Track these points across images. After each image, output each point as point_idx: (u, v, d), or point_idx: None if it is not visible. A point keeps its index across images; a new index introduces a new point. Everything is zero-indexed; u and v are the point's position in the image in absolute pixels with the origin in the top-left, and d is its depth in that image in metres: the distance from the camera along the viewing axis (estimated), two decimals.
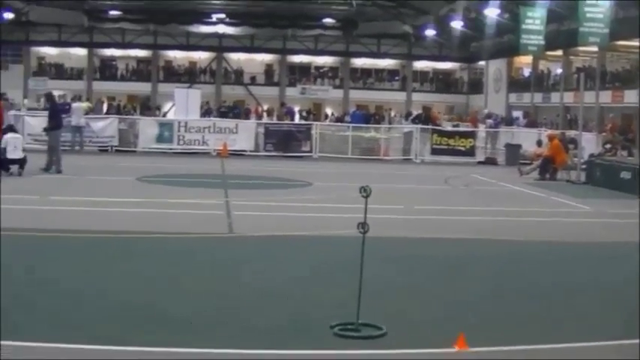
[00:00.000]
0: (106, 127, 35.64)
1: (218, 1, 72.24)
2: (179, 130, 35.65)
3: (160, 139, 35.57)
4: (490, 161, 37.25)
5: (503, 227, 17.48)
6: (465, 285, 11.64)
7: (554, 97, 60.92)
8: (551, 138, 31.79)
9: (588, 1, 40.84)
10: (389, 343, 8.53)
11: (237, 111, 51.67)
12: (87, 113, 37.67)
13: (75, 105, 36.28)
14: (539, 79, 65.47)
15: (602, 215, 20.31)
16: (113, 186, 23.00)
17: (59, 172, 25.16)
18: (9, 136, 24.08)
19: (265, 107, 69.97)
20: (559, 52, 59.76)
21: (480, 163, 36.55)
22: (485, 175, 29.92)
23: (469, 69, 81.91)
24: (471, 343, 8.21)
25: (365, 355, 8.27)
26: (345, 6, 71.25)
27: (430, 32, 68.33)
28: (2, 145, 23.91)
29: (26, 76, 74.53)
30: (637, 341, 8.58)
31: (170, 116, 50.31)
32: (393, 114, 69.52)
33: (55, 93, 46.57)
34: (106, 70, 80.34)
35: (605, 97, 48.20)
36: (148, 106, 61.45)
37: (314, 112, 70.89)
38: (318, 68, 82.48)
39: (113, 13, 73.22)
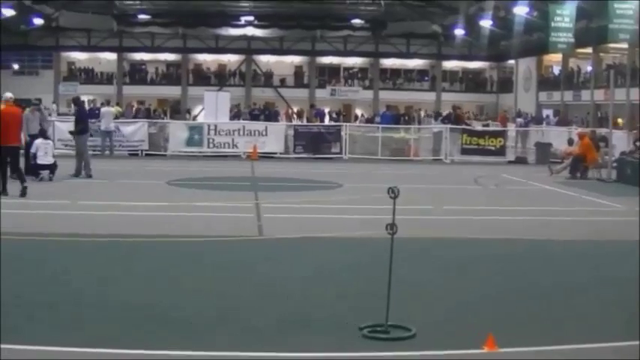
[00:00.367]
0: (136, 131, 35.73)
1: (246, 4, 72.47)
2: (209, 134, 35.68)
3: (189, 142, 35.65)
4: (520, 160, 37.06)
5: (535, 227, 17.34)
6: (496, 285, 11.58)
7: (585, 94, 60.59)
8: (581, 136, 31.61)
9: None
10: (418, 344, 8.50)
11: (268, 113, 51.68)
12: (117, 117, 37.80)
13: (104, 109, 36.40)
14: (569, 77, 65.18)
15: (636, 214, 20.11)
16: (143, 190, 23.07)
17: (89, 176, 25.26)
18: (39, 141, 24.20)
19: (295, 109, 70.06)
20: (589, 50, 59.45)
21: (510, 162, 36.34)
22: (516, 175, 29.78)
23: (499, 68, 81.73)
24: (500, 344, 8.17)
25: (394, 356, 8.24)
26: (373, 6, 71.31)
27: (459, 31, 68.18)
28: (32, 150, 24.07)
29: (56, 81, 75.03)
30: None
31: (200, 119, 50.44)
32: (422, 114, 69.45)
33: (85, 98, 46.93)
34: (136, 74, 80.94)
35: (636, 94, 47.89)
36: (177, 110, 61.61)
37: (344, 113, 70.94)
38: (347, 69, 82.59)
39: (142, 17, 73.63)
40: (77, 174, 25.41)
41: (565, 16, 47.60)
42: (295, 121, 55.64)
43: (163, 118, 49.67)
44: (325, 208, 19.73)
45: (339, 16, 74.63)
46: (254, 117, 46.86)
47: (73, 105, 35.29)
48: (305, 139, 36.43)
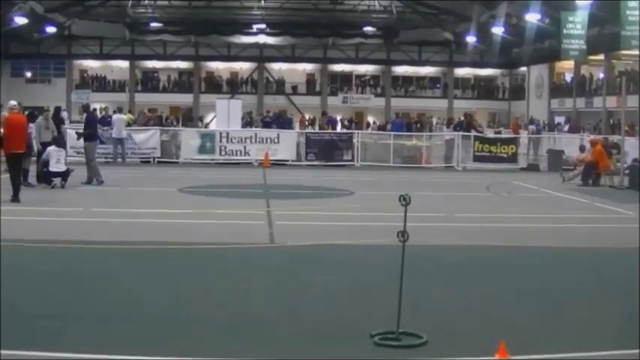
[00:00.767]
0: (148, 138, 35.85)
1: (258, 12, 72.60)
2: (221, 141, 35.73)
3: (202, 149, 35.71)
4: (532, 167, 36.97)
5: (547, 234, 17.32)
6: (507, 292, 11.56)
7: (597, 101, 60.53)
8: (593, 143, 31.52)
9: (630, 4, 40.50)
10: (429, 351, 8.49)
11: (281, 120, 51.59)
12: (129, 125, 37.87)
13: (116, 117, 36.48)
14: (581, 84, 65.08)
15: None
16: (155, 197, 23.14)
17: (101, 182, 25.30)
18: (52, 148, 24.27)
19: (307, 117, 70.09)
20: (601, 57, 59.38)
21: (522, 169, 36.26)
22: (528, 182, 29.72)
23: (510, 75, 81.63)
24: (512, 351, 8.15)
25: None
26: (385, 14, 71.42)
27: (471, 39, 68.07)
28: (44, 157, 24.15)
29: (69, 89, 75.25)
30: None
31: (212, 127, 50.45)
32: (434, 121, 69.41)
33: (97, 105, 47.05)
34: (148, 81, 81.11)
35: None
36: (190, 117, 61.66)
37: (356, 120, 70.93)
38: (359, 77, 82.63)
39: (154, 25, 73.75)
40: (89, 182, 25.44)
41: (577, 23, 47.59)
42: (309, 129, 55.55)
43: (176, 126, 49.69)
44: (336, 215, 19.71)
45: (351, 24, 74.70)
46: (266, 124, 46.81)
47: (83, 112, 35.33)
48: (317, 146, 36.41)
